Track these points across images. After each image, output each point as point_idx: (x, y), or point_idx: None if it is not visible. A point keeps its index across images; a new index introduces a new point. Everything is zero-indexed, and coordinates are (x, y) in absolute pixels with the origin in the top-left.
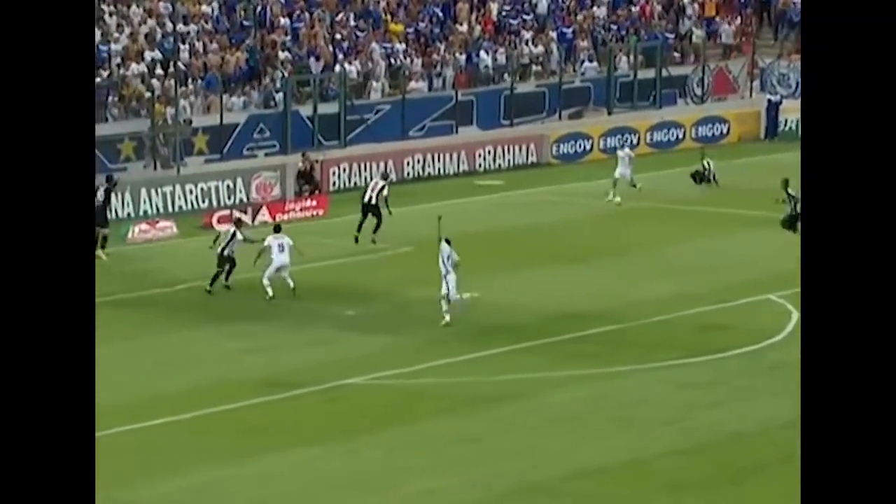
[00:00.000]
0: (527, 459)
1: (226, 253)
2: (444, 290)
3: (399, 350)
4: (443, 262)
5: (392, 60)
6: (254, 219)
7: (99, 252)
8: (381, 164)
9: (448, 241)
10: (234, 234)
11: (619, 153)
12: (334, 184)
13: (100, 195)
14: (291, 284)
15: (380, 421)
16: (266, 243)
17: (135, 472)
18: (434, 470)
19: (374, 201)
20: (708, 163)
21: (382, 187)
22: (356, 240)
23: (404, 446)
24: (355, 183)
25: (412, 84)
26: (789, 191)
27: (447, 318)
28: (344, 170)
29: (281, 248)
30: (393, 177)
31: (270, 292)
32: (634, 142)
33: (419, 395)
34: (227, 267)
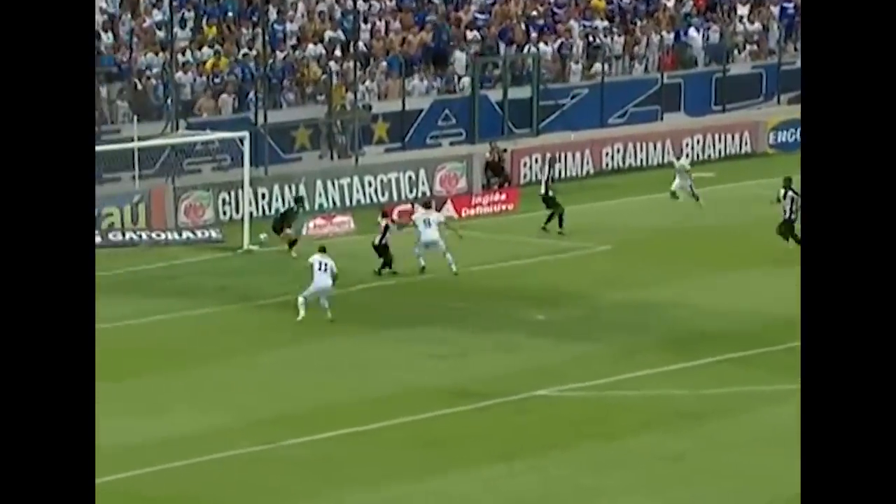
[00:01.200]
0: (735, 481)
1: (383, 243)
2: (306, 292)
3: (594, 359)
4: (317, 266)
5: (591, 39)
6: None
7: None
8: (578, 155)
9: (322, 249)
10: (387, 227)
11: (676, 163)
12: (525, 176)
13: (283, 208)
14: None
15: (572, 436)
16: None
17: (311, 487)
18: (630, 491)
19: (551, 193)
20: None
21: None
22: (544, 228)
23: (598, 464)
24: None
25: (613, 66)
26: (793, 188)
27: (302, 312)
28: (536, 160)
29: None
30: (590, 168)
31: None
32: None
33: (615, 408)
34: (386, 257)
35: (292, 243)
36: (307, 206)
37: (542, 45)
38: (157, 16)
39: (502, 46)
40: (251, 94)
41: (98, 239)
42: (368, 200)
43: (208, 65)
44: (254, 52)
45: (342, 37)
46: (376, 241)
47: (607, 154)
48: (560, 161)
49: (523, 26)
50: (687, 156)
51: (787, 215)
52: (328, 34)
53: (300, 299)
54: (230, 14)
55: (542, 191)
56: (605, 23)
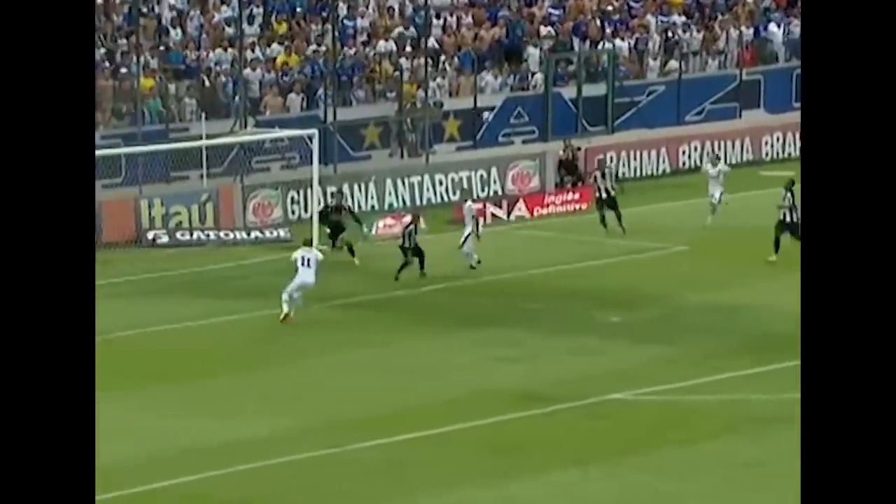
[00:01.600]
0: None
1: (407, 245)
2: (289, 288)
3: (671, 362)
4: (300, 261)
5: (668, 35)
6: (509, 213)
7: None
8: (653, 153)
9: (307, 243)
10: (411, 227)
11: (710, 170)
12: None
13: (329, 202)
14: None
15: (648, 442)
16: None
17: (380, 491)
18: (710, 497)
19: (608, 194)
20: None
21: (603, 177)
22: (622, 229)
23: (676, 470)
24: (623, 173)
25: (690, 62)
26: (793, 191)
27: (286, 308)
28: (611, 159)
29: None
30: (666, 167)
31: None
32: None
33: (694, 413)
34: (413, 258)
35: (351, 249)
36: (356, 213)
37: (617, 40)
38: (226, 12)
39: (576, 42)
40: (320, 92)
41: (166, 238)
42: (439, 200)
43: (278, 62)
44: (323, 49)
45: (413, 33)
46: (400, 243)
47: (684, 153)
48: (610, 165)
49: (598, 22)
50: (719, 159)
51: (788, 217)
52: (399, 30)
53: (283, 296)
54: (299, 10)
55: (598, 195)
56: (683, 18)
